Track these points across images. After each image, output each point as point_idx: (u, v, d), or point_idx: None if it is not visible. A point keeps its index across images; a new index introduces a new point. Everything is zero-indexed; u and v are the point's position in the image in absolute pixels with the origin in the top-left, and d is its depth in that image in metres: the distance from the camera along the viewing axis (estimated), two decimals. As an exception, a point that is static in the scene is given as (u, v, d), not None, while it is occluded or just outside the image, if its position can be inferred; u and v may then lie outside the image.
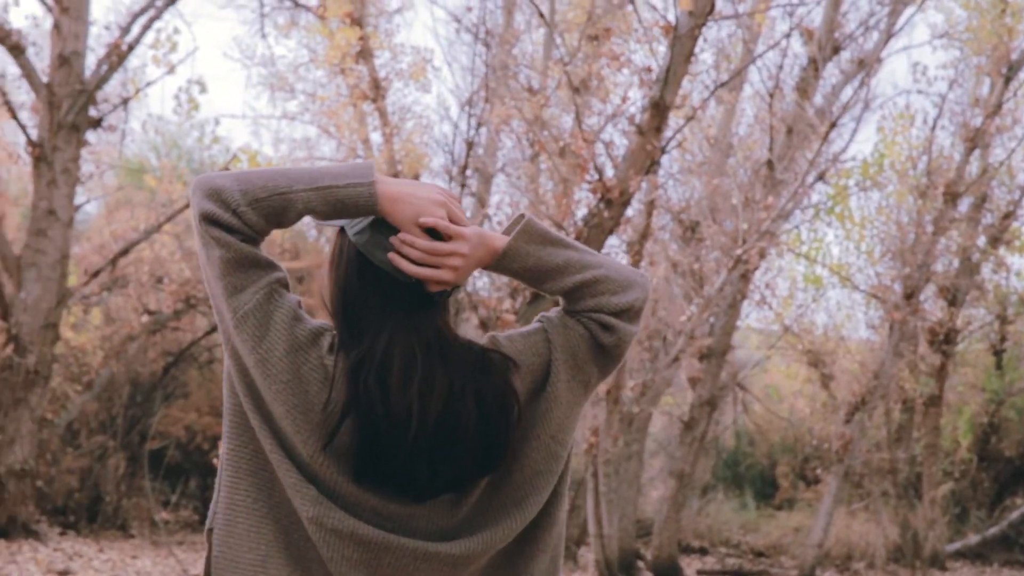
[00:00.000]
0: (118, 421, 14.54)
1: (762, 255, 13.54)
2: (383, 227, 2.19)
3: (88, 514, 14.28)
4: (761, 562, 17.61)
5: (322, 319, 2.32)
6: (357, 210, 2.17)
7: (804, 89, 13.58)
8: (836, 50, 13.67)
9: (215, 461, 14.17)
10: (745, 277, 13.79)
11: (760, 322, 19.25)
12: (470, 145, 8.30)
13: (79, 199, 13.69)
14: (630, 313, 2.29)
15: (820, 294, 18.25)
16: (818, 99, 14.38)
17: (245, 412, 2.20)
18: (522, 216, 2.26)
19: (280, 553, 2.18)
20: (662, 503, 14.42)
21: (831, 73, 14.69)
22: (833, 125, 11.85)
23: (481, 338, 2.31)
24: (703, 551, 18.45)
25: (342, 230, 2.27)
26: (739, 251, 11.69)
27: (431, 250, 2.15)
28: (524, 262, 2.23)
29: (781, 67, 12.76)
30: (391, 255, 2.18)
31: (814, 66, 13.34)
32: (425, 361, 2.14)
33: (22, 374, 12.43)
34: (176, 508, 16.94)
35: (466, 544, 2.20)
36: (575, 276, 2.25)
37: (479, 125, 8.41)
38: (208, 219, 2.14)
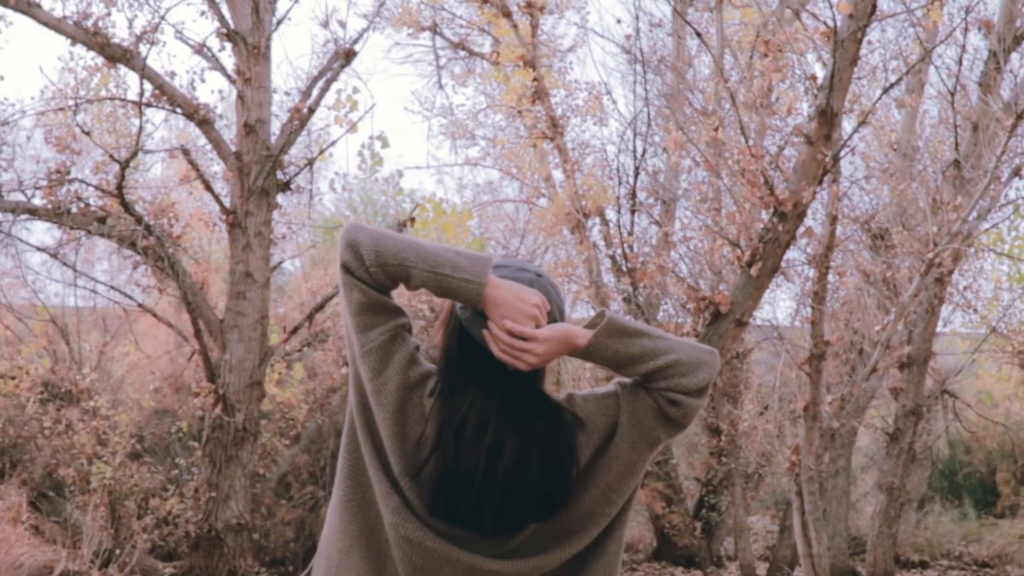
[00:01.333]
0: (327, 471, 14.93)
1: (956, 257, 13.15)
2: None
3: (304, 563, 14.68)
4: (986, 573, 16.99)
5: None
6: (462, 300, 2.54)
7: (987, 84, 13.18)
8: (1018, 40, 13.23)
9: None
10: (941, 281, 13.41)
11: (966, 327, 18.67)
12: (637, 171, 8.31)
13: (274, 260, 14.18)
14: (698, 392, 2.57)
15: (1027, 292, 17.63)
16: (1005, 92, 13.94)
17: (356, 427, 2.62)
18: (603, 314, 2.56)
19: (362, 546, 2.57)
20: (874, 518, 14.06)
21: (1016, 65, 14.24)
22: (1020, 117, 11.45)
23: (561, 392, 2.70)
24: (923, 565, 17.89)
25: None
26: (930, 255, 11.39)
27: (511, 344, 2.47)
28: (604, 354, 2.54)
29: (960, 62, 12.40)
30: (484, 332, 2.53)
31: (995, 59, 12.94)
32: (497, 425, 2.48)
33: (232, 432, 12.89)
34: (390, 553, 17.31)
35: (517, 565, 2.51)
36: (650, 363, 2.52)
37: (644, 151, 8.41)
38: (346, 268, 2.55)
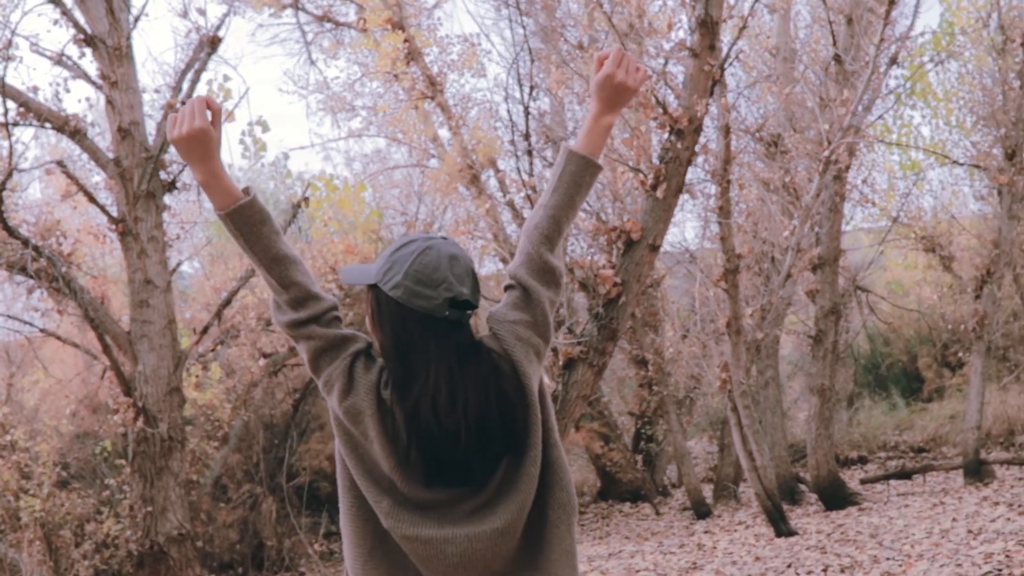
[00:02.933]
0: (261, 467, 14.71)
1: (851, 152, 13.22)
2: (417, 280, 2.67)
3: (254, 562, 14.48)
4: (923, 458, 17.27)
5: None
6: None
7: (854, -25, 13.21)
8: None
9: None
10: (839, 178, 13.48)
11: (867, 220, 18.88)
12: (527, 111, 8.17)
13: (172, 262, 13.84)
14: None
15: (920, 178, 17.83)
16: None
17: (340, 446, 2.75)
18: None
19: (380, 547, 2.73)
20: (810, 422, 14.18)
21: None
22: (892, 3, 11.49)
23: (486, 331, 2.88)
24: (863, 460, 18.15)
25: (374, 287, 2.74)
26: (826, 153, 11.42)
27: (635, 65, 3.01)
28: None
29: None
30: (612, 53, 2.97)
31: (859, -51, 12.98)
32: (461, 380, 2.64)
33: (158, 444, 12.60)
34: (338, 538, 17.13)
35: (507, 511, 2.68)
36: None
37: (532, 89, 8.27)
38: (286, 325, 2.80)
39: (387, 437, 2.65)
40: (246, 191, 2.77)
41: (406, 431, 2.62)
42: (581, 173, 2.94)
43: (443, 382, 2.63)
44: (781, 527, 11.96)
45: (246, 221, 2.74)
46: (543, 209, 2.91)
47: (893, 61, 13.69)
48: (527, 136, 8.32)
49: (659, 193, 7.65)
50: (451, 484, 2.67)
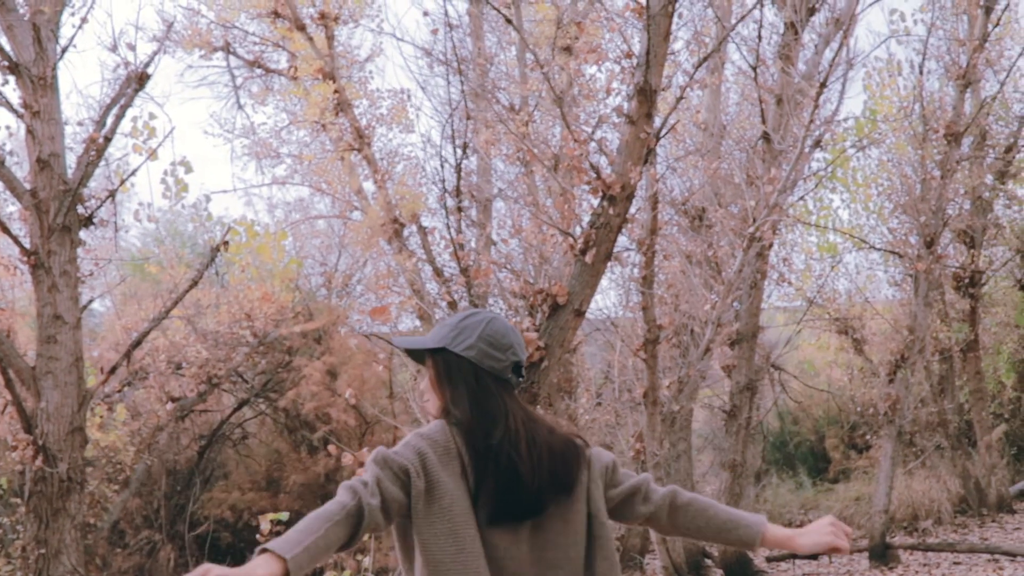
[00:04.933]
0: (161, 513, 14.36)
1: (774, 230, 13.33)
2: (489, 344, 3.07)
3: (147, 611, 14.11)
4: (828, 538, 17.29)
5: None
6: None
7: (787, 56, 13.40)
8: (812, 11, 13.48)
9: (270, 536, 13.99)
10: (762, 255, 13.59)
11: (783, 299, 19.05)
12: (459, 169, 8.12)
13: (84, 299, 13.54)
14: None
15: (837, 260, 18.04)
16: (801, 66, 14.20)
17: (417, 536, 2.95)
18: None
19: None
20: (719, 496, 14.15)
21: (809, 38, 14.52)
22: (823, 86, 11.65)
23: None
24: (769, 537, 18.15)
25: (442, 350, 3.10)
26: (751, 229, 11.49)
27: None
28: None
29: (760, 37, 12.56)
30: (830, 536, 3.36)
31: (793, 30, 13.17)
32: (533, 428, 3.03)
33: (56, 484, 12.23)
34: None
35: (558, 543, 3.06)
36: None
37: (464, 147, 8.23)
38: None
39: (464, 483, 2.96)
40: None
41: (489, 471, 2.94)
42: (736, 539, 3.30)
43: (521, 428, 3.00)
44: (687, 601, 11.89)
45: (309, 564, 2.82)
46: (702, 511, 3.26)
47: (817, 144, 13.87)
48: (458, 193, 8.26)
49: (588, 258, 7.61)
50: (521, 517, 3.00)
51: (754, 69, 12.49)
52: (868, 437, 17.79)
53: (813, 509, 18.95)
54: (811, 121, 11.56)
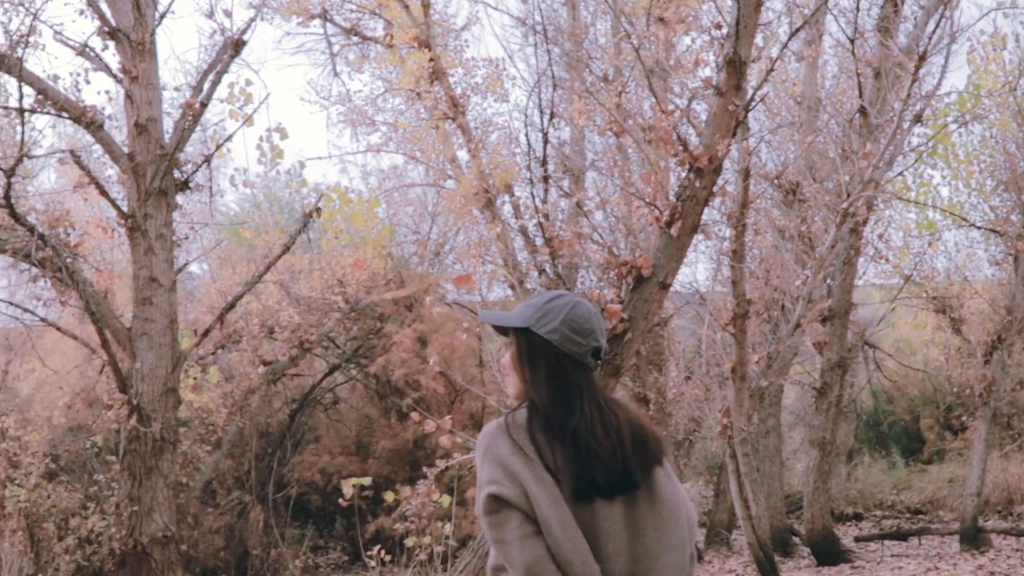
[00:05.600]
0: (252, 475, 14.58)
1: (869, 206, 13.11)
2: (572, 328, 3.12)
3: (237, 570, 14.32)
4: (919, 519, 17.08)
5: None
6: None
7: (886, 28, 13.13)
8: (913, -17, 13.20)
9: (358, 501, 14.15)
10: (856, 231, 13.37)
11: (880, 277, 18.74)
12: (546, 138, 8.08)
13: (179, 262, 13.76)
14: None
15: (936, 238, 17.69)
16: (901, 38, 13.91)
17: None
18: None
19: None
20: (808, 474, 14.02)
21: (910, 10, 14.22)
22: (923, 59, 11.39)
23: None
24: (858, 517, 17.97)
25: (525, 330, 3.15)
26: (844, 204, 11.31)
27: None
28: None
29: (858, 8, 12.31)
30: None
31: (893, 3, 12.90)
32: (608, 410, 3.09)
33: (149, 443, 12.47)
34: (325, 552, 16.99)
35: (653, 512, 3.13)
36: None
37: (552, 116, 8.18)
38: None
39: (548, 469, 3.02)
40: None
41: (575, 452, 3.02)
42: None
43: (595, 412, 3.05)
44: (770, 579, 11.80)
45: None
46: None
47: (918, 119, 13.58)
48: (544, 162, 8.22)
49: (673, 231, 7.54)
50: (608, 493, 3.05)
51: (852, 41, 12.25)
52: (964, 419, 17.45)
53: (905, 490, 18.69)
54: (909, 95, 11.33)
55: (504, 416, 3.14)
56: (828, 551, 13.56)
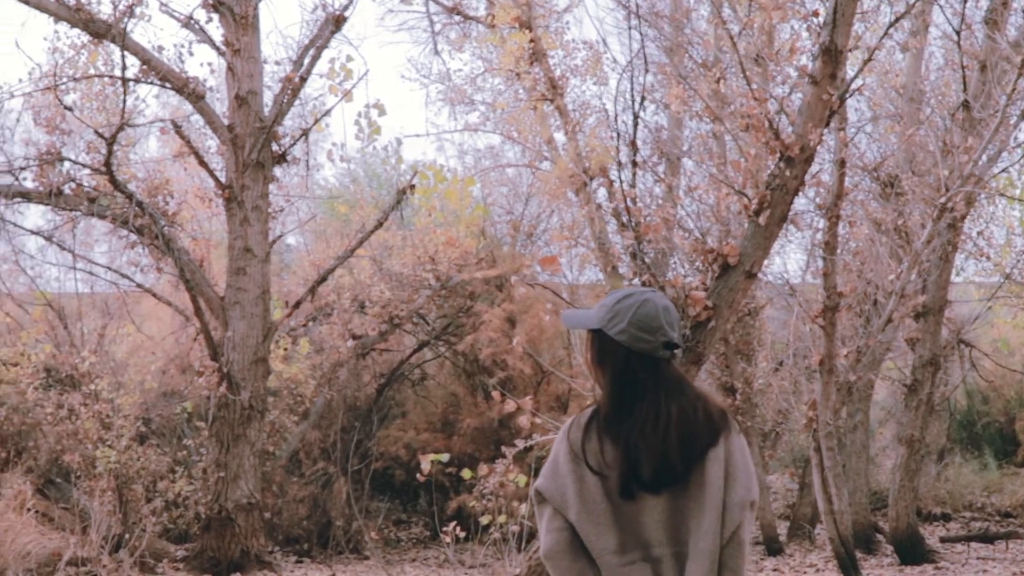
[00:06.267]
0: (338, 447, 14.73)
1: (969, 201, 12.85)
2: (639, 327, 3.26)
3: (319, 540, 14.50)
4: (1009, 523, 16.76)
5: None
6: None
7: (995, 21, 12.84)
8: (1024, -25, 12.89)
9: (442, 478, 14.26)
10: (954, 227, 13.12)
11: (980, 274, 18.40)
12: (636, 120, 8.03)
13: (274, 234, 13.94)
14: None
15: (1041, 237, 17.33)
16: (1011, 31, 13.60)
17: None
18: None
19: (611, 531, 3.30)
20: (895, 472, 13.82)
21: (1020, 3, 13.89)
22: (1029, 54, 11.13)
23: None
24: (946, 517, 17.68)
25: (599, 331, 3.32)
26: (943, 199, 11.11)
27: None
28: None
29: (966, 0, 12.06)
30: None
31: (1001, -5, 12.62)
32: (665, 408, 3.21)
33: (238, 411, 12.69)
34: (407, 526, 17.13)
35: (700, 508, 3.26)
36: None
37: (643, 99, 8.12)
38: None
39: (591, 468, 3.24)
40: None
41: (625, 450, 3.21)
42: None
43: (650, 412, 3.22)
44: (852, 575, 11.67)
45: None
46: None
47: (1025, 115, 13.30)
48: (634, 145, 8.18)
49: (761, 220, 7.47)
50: (654, 490, 3.23)
51: (958, 33, 12.01)
52: (1061, 422, 17.10)
53: (996, 492, 18.35)
54: (1014, 89, 11.08)
55: (579, 414, 3.37)
56: (912, 550, 13.37)
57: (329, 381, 15.24)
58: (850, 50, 7.73)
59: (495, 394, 8.58)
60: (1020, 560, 13.17)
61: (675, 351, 3.35)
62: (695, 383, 3.52)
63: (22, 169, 12.76)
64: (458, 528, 8.00)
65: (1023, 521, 16.87)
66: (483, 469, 8.17)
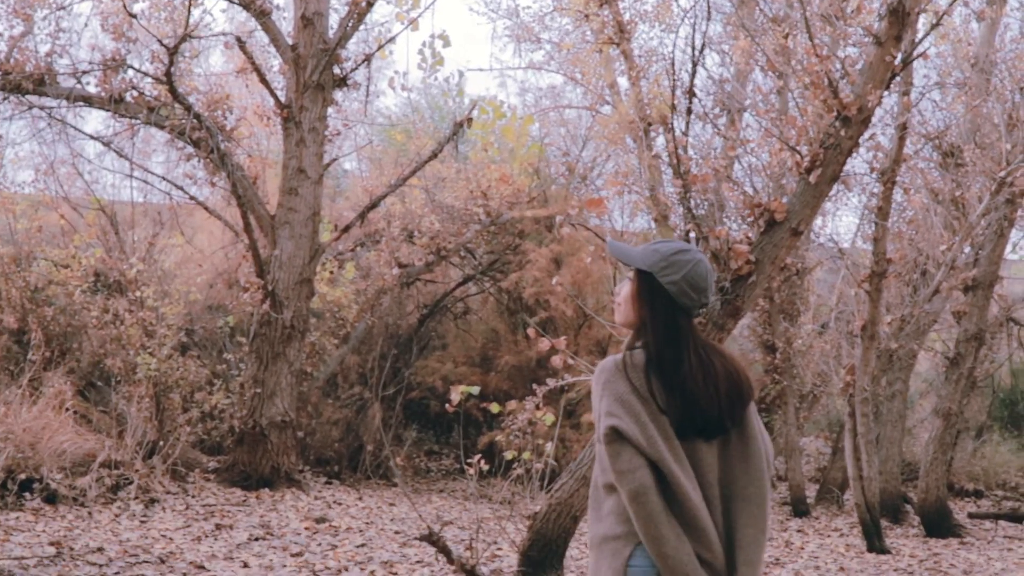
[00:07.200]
0: (375, 373, 14.83)
1: (1031, 177, 12.66)
2: (690, 285, 3.44)
3: (350, 464, 14.63)
4: (1042, 505, 16.65)
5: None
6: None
7: (1073, -3, 12.56)
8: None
9: (476, 413, 14.33)
10: (1012, 202, 12.92)
11: (1038, 254, 18.18)
12: (694, 68, 7.95)
13: (330, 157, 13.97)
14: None
15: (1101, 220, 17.04)
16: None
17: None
18: None
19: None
20: (928, 444, 13.74)
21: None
22: (1105, 32, 10.90)
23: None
24: (978, 494, 17.58)
25: (649, 275, 3.48)
26: (1002, 173, 10.95)
27: None
28: None
29: (1044, -27, 11.80)
30: None
31: (1083, -29, 12.33)
32: (709, 360, 3.45)
33: (279, 329, 12.79)
34: (439, 457, 17.26)
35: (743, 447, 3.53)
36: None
37: (702, 47, 8.04)
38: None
39: (660, 409, 3.38)
40: None
41: (680, 397, 3.38)
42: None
43: (698, 362, 3.42)
44: (875, 542, 11.66)
45: None
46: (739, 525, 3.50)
47: (1097, 94, 13.06)
48: (691, 93, 8.10)
49: (812, 178, 7.39)
50: (707, 435, 3.44)
51: (1034, 5, 11.78)
52: (1105, 409, 16.90)
53: (1032, 473, 18.23)
54: (1086, 67, 10.88)
55: (622, 354, 3.48)
56: (939, 523, 13.32)
57: (372, 307, 15.32)
58: (919, 12, 7.59)
59: (531, 332, 8.58)
60: (1048, 542, 13.10)
61: (699, 313, 3.58)
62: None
63: (85, 73, 12.83)
64: (483, 462, 8.03)
65: (1056, 504, 16.76)
66: (512, 405, 8.19)
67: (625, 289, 3.60)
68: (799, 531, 13.35)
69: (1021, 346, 18.33)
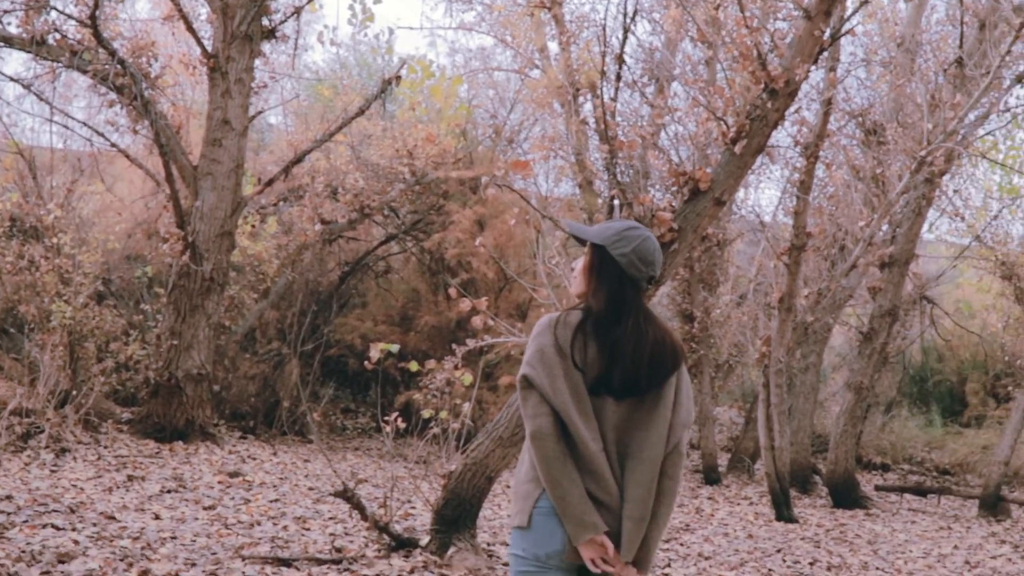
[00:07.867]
0: (294, 329, 14.75)
1: (949, 158, 12.87)
2: (638, 257, 3.66)
3: (266, 419, 14.56)
4: (945, 480, 17.02)
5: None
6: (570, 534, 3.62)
7: (999, -19, 12.76)
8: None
9: (394, 372, 14.30)
10: (931, 182, 13.14)
11: (952, 234, 18.48)
12: (625, 34, 7.96)
13: (255, 109, 13.80)
14: None
15: (1016, 204, 17.37)
16: (1016, -5, 13.52)
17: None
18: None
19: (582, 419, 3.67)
20: (839, 417, 13.98)
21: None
22: (1028, 17, 11.08)
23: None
24: (885, 467, 17.94)
25: (602, 248, 3.71)
26: (923, 152, 11.11)
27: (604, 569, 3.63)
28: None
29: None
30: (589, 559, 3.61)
31: (1009, -45, 12.52)
32: (645, 328, 3.62)
33: (198, 281, 12.66)
34: (355, 415, 17.23)
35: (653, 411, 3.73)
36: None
37: (635, 14, 8.05)
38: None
39: (575, 364, 3.60)
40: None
41: (607, 358, 3.60)
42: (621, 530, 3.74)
43: (633, 329, 3.63)
44: (783, 511, 11.86)
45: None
46: (649, 493, 3.73)
47: (1019, 80, 13.27)
48: (620, 60, 8.12)
49: (737, 148, 7.44)
50: (619, 395, 3.65)
51: (961, -12, 11.94)
52: (1010, 389, 17.25)
53: (938, 449, 18.60)
54: (1007, 52, 11.05)
55: (560, 313, 3.74)
56: (846, 494, 13.57)
57: (293, 263, 15.22)
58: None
59: (452, 292, 8.57)
60: (949, 515, 13.39)
61: (649, 287, 3.83)
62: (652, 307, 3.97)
63: (6, 12, 12.55)
64: (400, 421, 8.02)
65: (959, 480, 17.13)
66: (431, 364, 8.18)
67: (580, 262, 3.85)
68: (710, 498, 13.53)
69: (933, 324, 18.68)
